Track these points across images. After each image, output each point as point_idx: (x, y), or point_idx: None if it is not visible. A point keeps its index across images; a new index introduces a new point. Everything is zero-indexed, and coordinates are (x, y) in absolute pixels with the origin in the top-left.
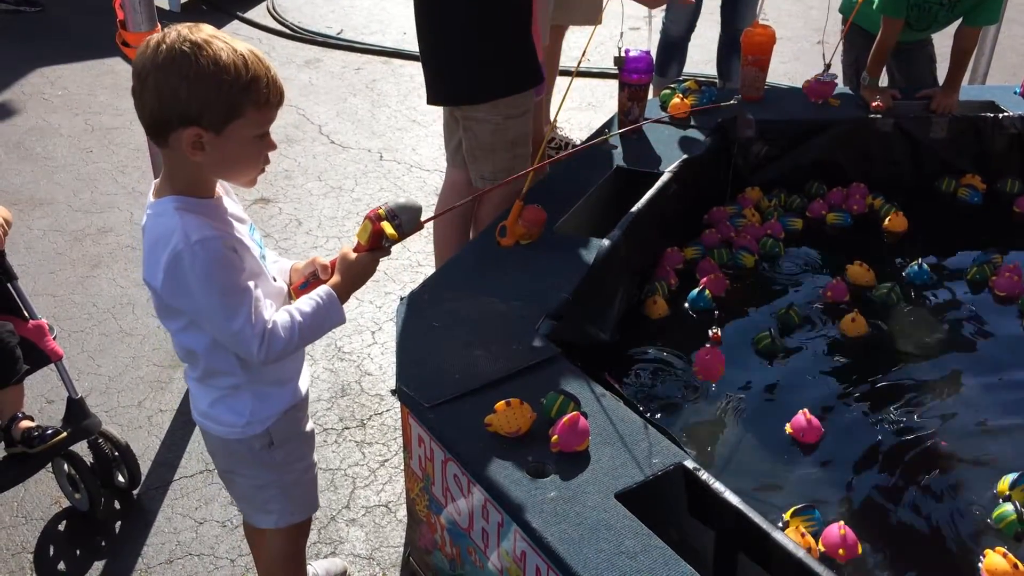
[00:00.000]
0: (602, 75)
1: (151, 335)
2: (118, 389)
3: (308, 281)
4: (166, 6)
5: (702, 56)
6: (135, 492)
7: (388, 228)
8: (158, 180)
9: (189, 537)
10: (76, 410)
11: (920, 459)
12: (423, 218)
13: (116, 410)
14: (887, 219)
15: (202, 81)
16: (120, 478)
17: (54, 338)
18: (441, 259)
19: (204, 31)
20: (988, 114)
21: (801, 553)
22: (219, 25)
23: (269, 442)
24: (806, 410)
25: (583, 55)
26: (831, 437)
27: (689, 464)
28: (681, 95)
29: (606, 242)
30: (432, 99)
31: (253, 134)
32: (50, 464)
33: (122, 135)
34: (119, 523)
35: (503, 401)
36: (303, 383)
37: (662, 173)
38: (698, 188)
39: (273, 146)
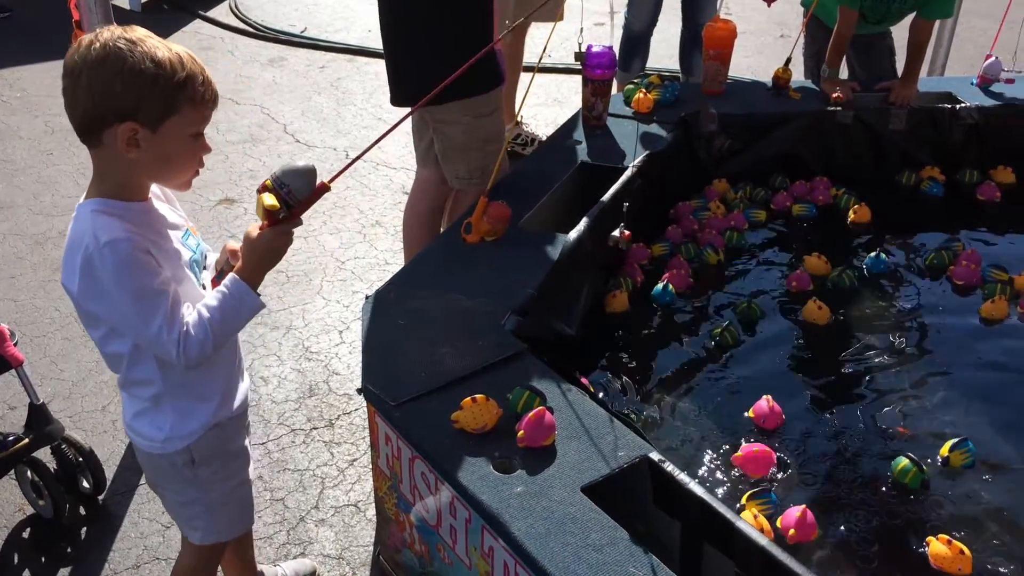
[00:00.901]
0: (567, 71)
1: None
2: (81, 394)
3: (222, 271)
4: (126, 6)
5: (665, 51)
6: (100, 497)
7: (269, 199)
8: (89, 183)
9: (156, 542)
10: (38, 416)
11: (878, 444)
12: (322, 180)
13: (80, 415)
14: (852, 211)
15: (139, 76)
16: (85, 484)
17: (15, 344)
18: (409, 256)
19: (138, 31)
20: (946, 105)
21: (765, 541)
22: (181, 24)
23: (191, 459)
24: (769, 397)
25: (544, 51)
26: (793, 423)
27: (654, 456)
28: (644, 90)
29: (571, 237)
30: (397, 100)
31: (189, 132)
32: (13, 471)
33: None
34: (85, 529)
35: (469, 398)
36: (236, 398)
37: (626, 168)
38: (663, 182)
39: (207, 148)
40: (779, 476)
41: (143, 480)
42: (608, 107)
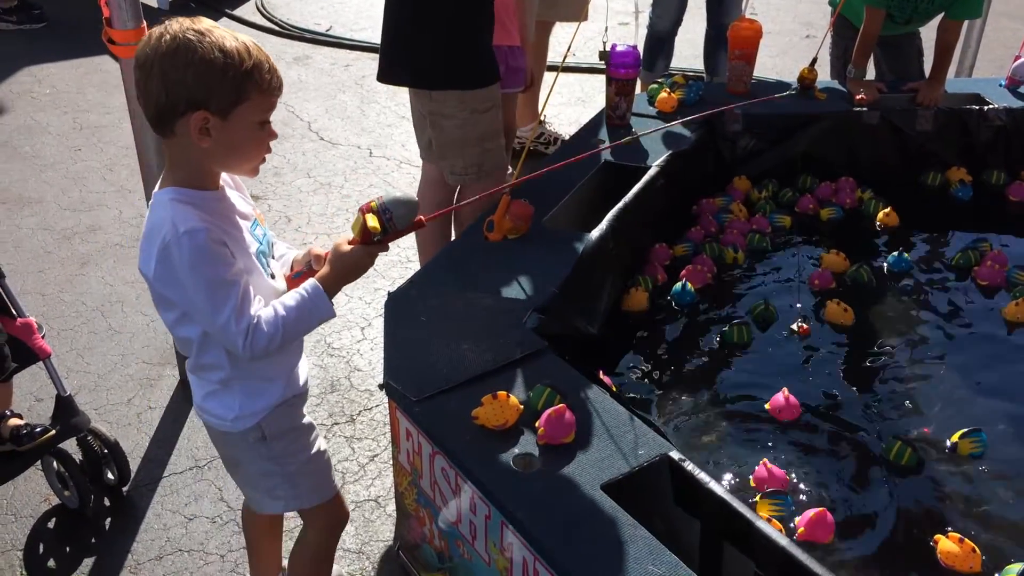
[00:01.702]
0: (591, 70)
1: (140, 333)
2: (107, 387)
3: (301, 272)
4: (154, 4)
5: (691, 51)
6: (124, 489)
7: (372, 222)
8: (164, 171)
9: (179, 533)
10: (65, 407)
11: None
12: (421, 215)
13: (105, 407)
14: (880, 214)
15: (208, 65)
16: (109, 475)
17: (43, 336)
18: (423, 254)
19: (204, 22)
20: (973, 107)
21: (785, 541)
22: None
23: (262, 435)
24: (785, 389)
25: (568, 51)
26: (809, 416)
27: (674, 455)
28: (668, 89)
29: (593, 236)
30: (388, 79)
31: (257, 120)
32: (39, 462)
33: (111, 133)
34: (108, 520)
35: (490, 395)
36: (300, 376)
37: (649, 167)
38: (686, 182)
39: (274, 135)
40: (794, 479)
41: (167, 472)
42: (632, 106)
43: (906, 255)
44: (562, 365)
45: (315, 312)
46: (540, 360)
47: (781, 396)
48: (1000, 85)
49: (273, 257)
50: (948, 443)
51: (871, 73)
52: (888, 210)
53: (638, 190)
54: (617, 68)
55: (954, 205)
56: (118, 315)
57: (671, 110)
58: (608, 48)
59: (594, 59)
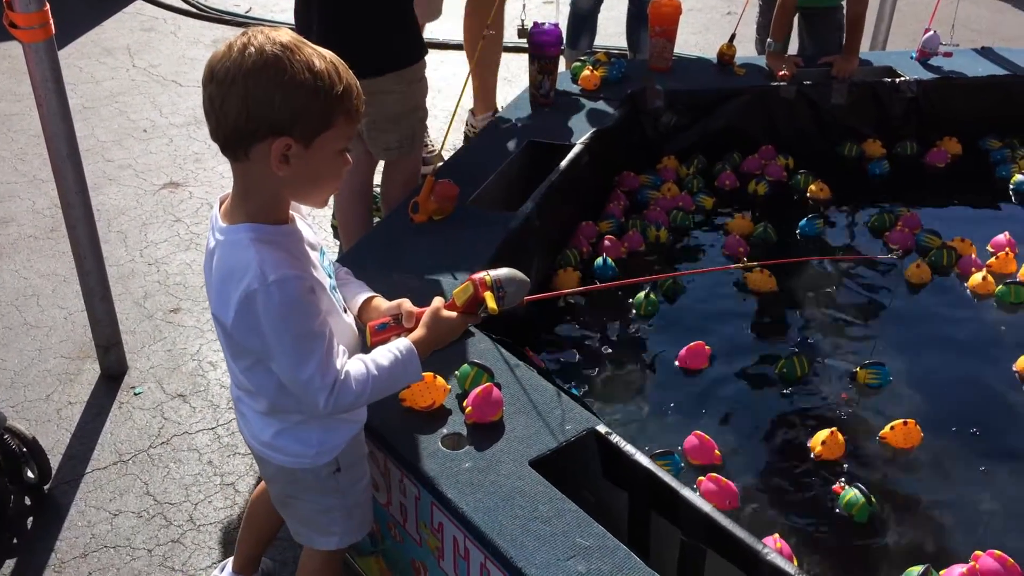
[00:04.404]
0: (516, 49)
1: (58, 327)
2: (24, 383)
3: (387, 324)
4: None
5: (615, 28)
6: (46, 487)
7: (490, 301)
8: (227, 200)
9: (104, 529)
10: None
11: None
12: (527, 295)
13: (23, 405)
14: (812, 187)
15: (299, 88)
16: (30, 474)
17: None
18: (346, 235)
19: (288, 34)
20: (886, 79)
21: (708, 508)
22: (122, 5)
23: (336, 468)
24: (703, 343)
25: (487, 30)
26: (720, 364)
27: (601, 429)
28: (591, 67)
29: (520, 215)
30: None
31: (339, 147)
32: None
33: (21, 121)
34: (30, 519)
35: None
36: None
37: (574, 145)
38: (611, 159)
39: (350, 163)
40: (723, 447)
41: (90, 468)
42: (556, 85)
43: (818, 222)
44: (489, 345)
45: (405, 375)
46: (467, 340)
47: (686, 351)
48: (911, 57)
49: (339, 285)
50: (850, 374)
51: (795, 47)
52: (820, 184)
53: (564, 168)
54: (540, 46)
55: (871, 177)
56: (33, 309)
57: (594, 87)
58: (527, 26)
59: (516, 38)
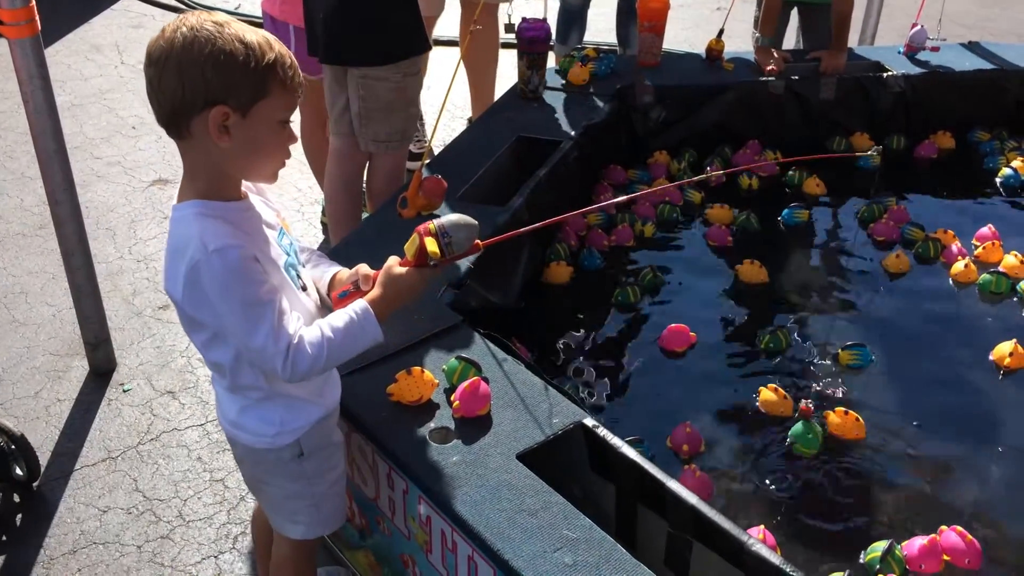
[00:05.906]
0: (505, 45)
1: (46, 324)
2: (12, 380)
3: (348, 291)
4: None
5: (604, 24)
6: (35, 484)
7: (431, 246)
8: (181, 181)
9: (93, 526)
10: None
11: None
12: (479, 239)
13: (11, 402)
14: (810, 183)
15: (229, 57)
16: (18, 471)
17: None
18: (335, 231)
19: (220, 14)
20: (874, 74)
21: (695, 500)
22: (111, 2)
23: (299, 452)
24: (683, 324)
25: (474, 24)
26: (702, 347)
27: (588, 422)
28: (580, 63)
29: (509, 210)
30: (328, 58)
31: (278, 118)
32: None
33: (9, 119)
34: (19, 516)
35: (404, 371)
36: (335, 391)
37: (563, 140)
38: (600, 154)
39: (295, 138)
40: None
41: (79, 465)
42: (544, 80)
43: (797, 213)
44: (477, 339)
45: (363, 335)
46: (455, 335)
47: (668, 332)
48: (899, 52)
49: (303, 265)
50: (831, 355)
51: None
52: (817, 180)
53: (552, 163)
54: (528, 42)
55: (862, 171)
56: (22, 306)
57: (583, 83)
58: (514, 21)
59: (508, 35)
